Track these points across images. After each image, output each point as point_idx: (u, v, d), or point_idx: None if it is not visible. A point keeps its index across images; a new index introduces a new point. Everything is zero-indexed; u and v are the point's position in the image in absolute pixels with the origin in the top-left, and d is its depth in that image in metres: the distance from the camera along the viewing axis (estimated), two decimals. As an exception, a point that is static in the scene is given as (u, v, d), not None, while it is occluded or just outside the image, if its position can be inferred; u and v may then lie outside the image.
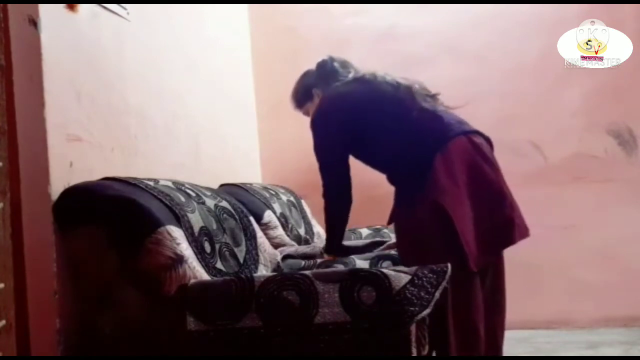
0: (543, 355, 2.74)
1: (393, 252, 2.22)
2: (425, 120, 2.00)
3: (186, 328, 1.49)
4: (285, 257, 2.33)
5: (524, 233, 1.98)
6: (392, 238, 2.50)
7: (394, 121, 2.02)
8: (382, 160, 2.11)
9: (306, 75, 2.35)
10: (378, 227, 2.87)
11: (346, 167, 2.13)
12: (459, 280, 1.86)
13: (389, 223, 2.13)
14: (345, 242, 2.55)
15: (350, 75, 2.20)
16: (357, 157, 2.18)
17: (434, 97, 2.08)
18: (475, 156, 1.95)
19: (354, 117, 2.07)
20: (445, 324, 1.85)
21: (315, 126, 2.17)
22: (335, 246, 2.20)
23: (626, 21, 3.09)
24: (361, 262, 2.14)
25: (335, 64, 2.24)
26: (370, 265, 2.13)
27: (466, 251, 1.84)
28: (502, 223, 1.94)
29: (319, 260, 2.21)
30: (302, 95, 2.34)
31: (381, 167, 2.14)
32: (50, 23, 1.66)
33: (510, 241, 1.96)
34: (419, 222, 1.91)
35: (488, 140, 2.06)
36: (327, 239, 2.23)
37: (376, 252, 2.27)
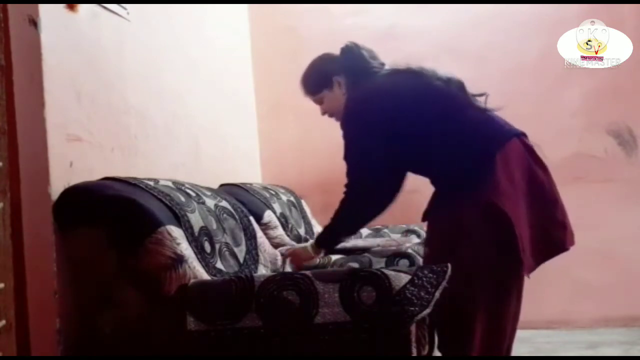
0: (543, 355, 2.74)
1: (410, 250, 2.20)
2: (481, 120, 1.88)
3: (186, 328, 1.49)
4: None
5: (573, 239, 1.90)
6: (392, 237, 2.51)
7: (449, 118, 1.86)
8: (432, 160, 1.90)
9: (325, 59, 2.11)
10: (378, 227, 2.87)
11: (388, 167, 1.89)
12: (507, 287, 1.81)
13: (424, 220, 1.96)
14: (345, 242, 2.56)
15: (387, 67, 2.01)
16: (398, 159, 1.93)
17: (480, 96, 1.95)
18: (529, 159, 1.85)
19: (403, 114, 1.87)
20: (471, 325, 1.76)
21: (353, 123, 1.94)
22: (329, 243, 2.09)
23: (626, 21, 3.09)
24: (377, 260, 2.14)
25: (364, 52, 2.03)
26: (387, 263, 2.14)
27: (522, 257, 1.73)
28: (556, 229, 1.86)
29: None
30: (318, 81, 2.08)
31: (428, 168, 1.94)
32: (50, 23, 1.66)
33: (563, 248, 1.87)
34: (467, 224, 1.77)
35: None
36: (326, 232, 2.07)
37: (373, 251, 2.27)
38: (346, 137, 1.95)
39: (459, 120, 1.87)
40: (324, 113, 2.15)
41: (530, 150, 1.88)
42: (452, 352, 1.85)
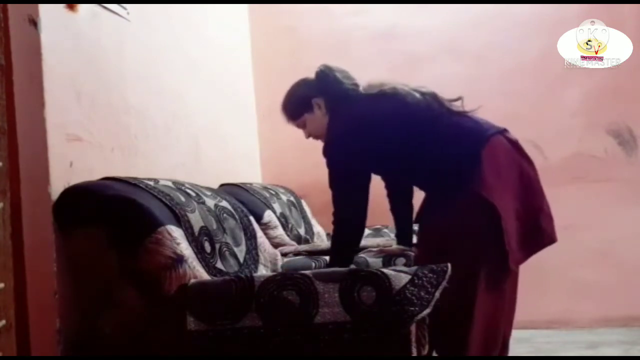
0: (543, 355, 2.74)
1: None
2: (462, 122, 1.96)
3: (186, 328, 1.49)
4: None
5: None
6: (391, 237, 2.51)
7: (428, 130, 1.95)
8: (416, 170, 2.01)
9: (301, 84, 2.18)
10: (378, 227, 2.87)
11: (366, 197, 2.01)
12: (497, 279, 1.87)
13: (417, 221, 2.06)
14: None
15: (361, 88, 2.09)
16: (385, 172, 2.14)
17: (456, 101, 2.03)
18: (516, 154, 1.94)
19: (384, 137, 1.96)
20: (467, 321, 1.81)
21: (334, 146, 2.02)
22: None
23: (626, 21, 3.09)
24: (373, 260, 2.14)
25: (337, 74, 2.09)
26: (383, 262, 2.14)
27: (507, 249, 1.80)
28: (545, 220, 1.92)
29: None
30: (298, 106, 2.15)
31: (415, 179, 2.08)
32: (50, 23, 1.66)
33: (553, 239, 1.95)
34: (458, 219, 1.84)
35: None
36: (332, 263, 2.09)
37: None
38: (329, 167, 2.02)
39: (438, 129, 1.95)
40: (308, 136, 2.21)
41: (514, 145, 1.96)
42: (449, 346, 1.87)
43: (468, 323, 1.81)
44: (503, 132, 1.96)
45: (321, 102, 2.11)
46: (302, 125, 2.19)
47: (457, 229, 1.84)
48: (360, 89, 2.10)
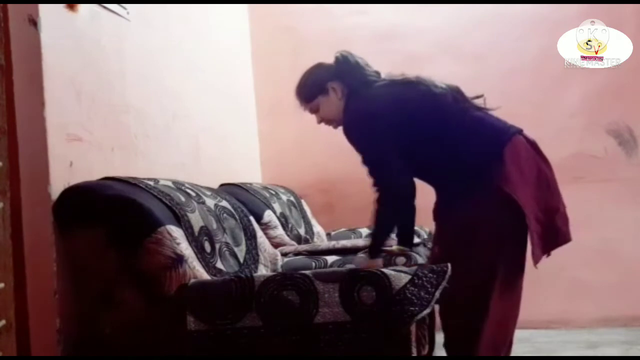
0: (543, 355, 2.74)
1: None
2: (485, 117, 1.97)
3: (186, 328, 1.49)
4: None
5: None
6: (392, 237, 2.51)
7: (452, 122, 1.94)
8: (439, 163, 1.97)
9: (318, 68, 2.14)
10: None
11: (406, 165, 1.94)
12: (514, 276, 1.91)
13: (435, 219, 2.05)
14: (345, 242, 2.56)
15: (383, 76, 2.07)
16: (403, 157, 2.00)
17: (478, 98, 2.05)
18: (535, 154, 1.95)
19: (408, 123, 1.94)
20: (481, 314, 1.83)
21: (363, 131, 1.96)
22: (377, 250, 2.07)
23: (626, 21, 3.09)
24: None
25: (359, 60, 2.08)
26: (383, 262, 2.13)
27: (532, 244, 1.84)
28: (561, 220, 1.94)
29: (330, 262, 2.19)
30: (312, 88, 2.10)
31: (434, 173, 2.01)
32: (50, 23, 1.66)
33: (568, 238, 1.95)
34: (481, 214, 1.85)
35: None
36: (372, 241, 2.06)
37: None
38: (359, 145, 1.97)
39: (462, 122, 1.94)
40: (320, 121, 2.16)
41: (533, 145, 1.97)
42: (460, 337, 1.89)
43: (482, 316, 1.83)
44: (521, 132, 1.97)
45: (337, 87, 2.07)
46: (314, 110, 2.13)
47: (479, 224, 1.84)
48: (384, 76, 2.08)
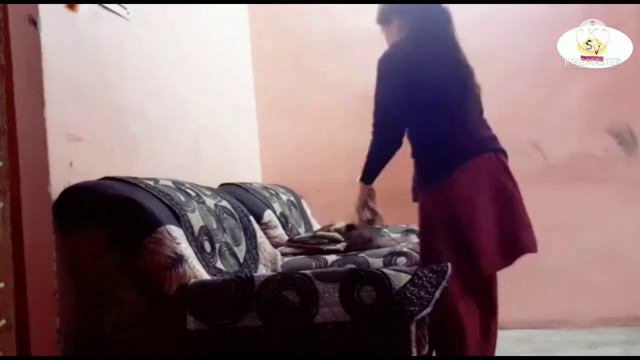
0: (543, 355, 2.74)
1: (406, 249, 2.24)
2: (473, 123, 2.09)
3: (186, 328, 1.49)
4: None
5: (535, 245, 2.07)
6: (392, 237, 2.51)
7: (458, 102, 2.06)
8: (427, 132, 2.09)
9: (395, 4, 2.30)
10: (378, 227, 2.87)
11: (404, 120, 2.09)
12: (472, 280, 1.97)
13: (415, 200, 2.15)
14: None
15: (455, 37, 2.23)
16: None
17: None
18: (501, 175, 2.05)
19: (430, 82, 2.05)
20: (457, 325, 1.93)
21: (389, 69, 2.08)
22: (370, 178, 2.19)
23: (626, 21, 3.09)
24: (373, 260, 2.15)
25: (446, 15, 2.26)
26: (384, 262, 2.14)
27: (477, 251, 1.92)
28: (524, 231, 2.02)
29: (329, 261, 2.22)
30: (384, 13, 2.32)
31: (419, 135, 2.12)
32: (50, 23, 1.66)
33: (533, 248, 2.03)
34: (431, 209, 2.02)
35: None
36: (365, 168, 2.18)
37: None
38: (379, 77, 2.09)
39: (468, 115, 2.08)
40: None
41: (503, 165, 2.08)
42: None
43: (458, 326, 1.93)
44: (499, 151, 2.07)
45: (400, 22, 2.21)
46: (385, 34, 2.31)
47: (431, 218, 2.02)
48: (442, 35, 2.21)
